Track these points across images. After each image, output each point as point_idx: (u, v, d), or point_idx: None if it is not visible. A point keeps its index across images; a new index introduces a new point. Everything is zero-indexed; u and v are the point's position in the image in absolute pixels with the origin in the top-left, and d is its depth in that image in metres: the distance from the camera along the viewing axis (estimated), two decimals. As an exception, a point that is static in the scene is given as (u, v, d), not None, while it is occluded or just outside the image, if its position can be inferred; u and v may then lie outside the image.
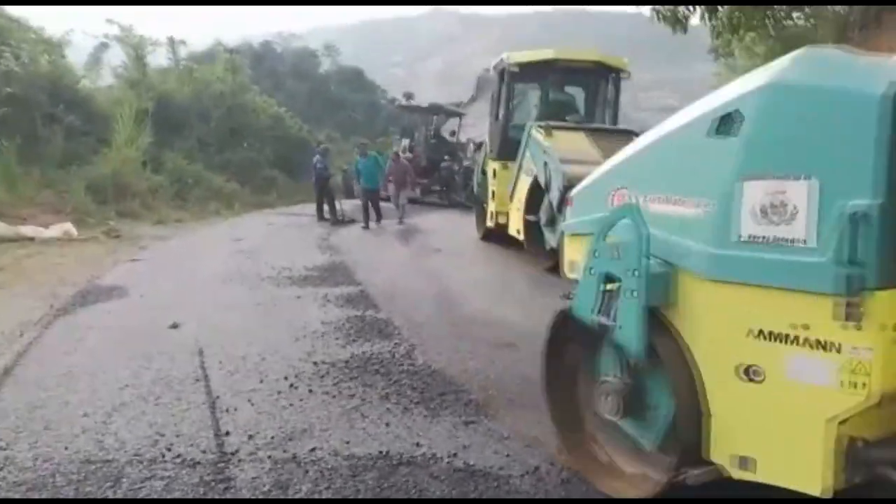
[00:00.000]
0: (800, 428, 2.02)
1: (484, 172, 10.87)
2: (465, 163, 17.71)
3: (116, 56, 20.70)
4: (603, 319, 2.48)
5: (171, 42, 22.98)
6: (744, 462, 2.18)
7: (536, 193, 8.16)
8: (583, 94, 10.78)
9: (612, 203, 2.68)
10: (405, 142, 20.90)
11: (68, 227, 10.65)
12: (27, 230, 10.10)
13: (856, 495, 2.14)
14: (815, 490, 2.01)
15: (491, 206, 10.06)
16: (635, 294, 2.30)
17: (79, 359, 4.45)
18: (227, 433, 3.25)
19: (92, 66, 20.45)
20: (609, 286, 2.48)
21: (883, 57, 2.19)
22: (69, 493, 2.69)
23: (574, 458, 2.85)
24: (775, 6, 11.67)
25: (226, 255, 9.01)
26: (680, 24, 12.16)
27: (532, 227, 8.40)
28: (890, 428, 2.08)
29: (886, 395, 1.91)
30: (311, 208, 14.96)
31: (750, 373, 2.12)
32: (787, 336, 2.01)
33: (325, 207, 14.08)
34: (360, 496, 2.69)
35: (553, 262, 7.62)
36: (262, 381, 4.01)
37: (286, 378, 4.06)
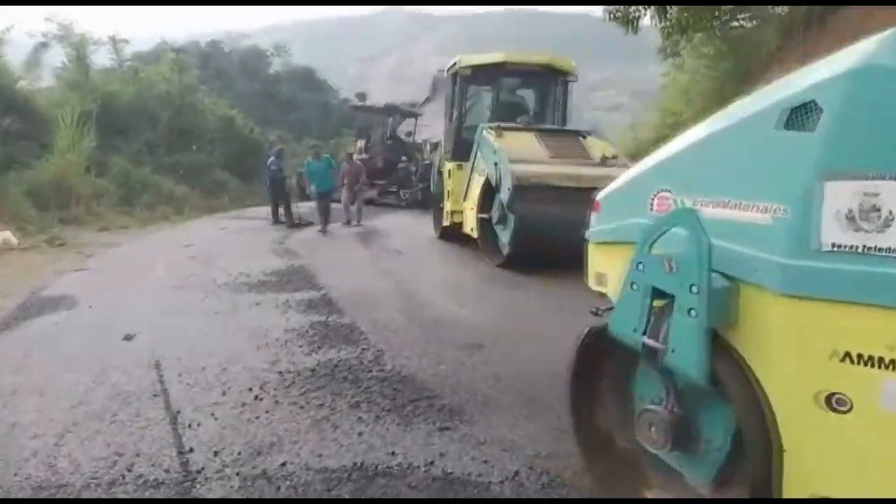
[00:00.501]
0: (894, 466, 1.73)
1: (440, 173, 10.96)
2: (425, 162, 17.70)
3: (57, 56, 19.98)
4: (650, 342, 2.18)
5: (114, 41, 22.33)
6: None
7: (489, 193, 8.43)
8: (533, 95, 10.99)
9: (653, 208, 2.36)
10: (361, 143, 20.74)
11: (7, 235, 10.13)
12: (-39, 240, 9.59)
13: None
14: None
15: (447, 206, 10.19)
16: (695, 313, 2.01)
17: (25, 376, 4.18)
18: (191, 450, 3.09)
19: (31, 66, 19.69)
20: (657, 303, 2.19)
21: None
22: (21, 524, 2.51)
23: (601, 484, 2.63)
24: (722, 6, 12.04)
25: (178, 262, 8.70)
26: (631, 25, 12.44)
27: (485, 226, 8.64)
28: None
29: None
30: (265, 211, 14.65)
31: (833, 402, 1.81)
32: (881, 360, 1.71)
33: (280, 210, 13.84)
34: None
35: (503, 259, 8.10)
36: (224, 394, 3.85)
37: (250, 389, 3.90)
